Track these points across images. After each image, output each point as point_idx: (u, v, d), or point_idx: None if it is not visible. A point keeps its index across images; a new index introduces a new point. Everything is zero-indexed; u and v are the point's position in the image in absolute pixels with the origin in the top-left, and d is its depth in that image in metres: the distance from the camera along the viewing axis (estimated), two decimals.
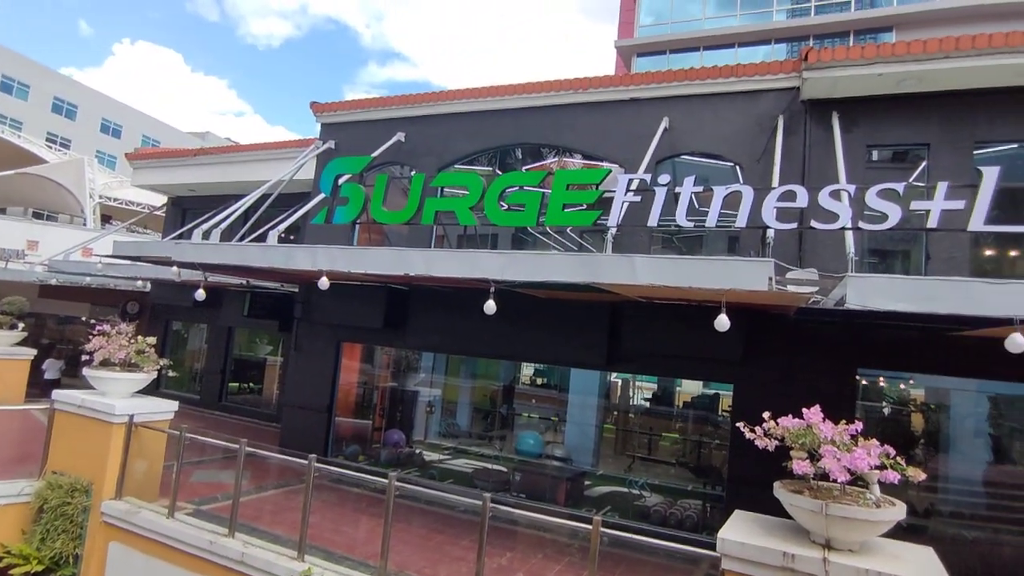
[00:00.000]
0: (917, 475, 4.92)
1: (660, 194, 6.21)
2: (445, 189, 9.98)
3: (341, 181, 8.51)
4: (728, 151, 9.38)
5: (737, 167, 9.38)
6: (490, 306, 6.74)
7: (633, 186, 6.88)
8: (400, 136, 11.82)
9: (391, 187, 10.89)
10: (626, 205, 6.73)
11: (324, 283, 7.86)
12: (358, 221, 8.75)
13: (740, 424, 5.22)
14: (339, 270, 7.98)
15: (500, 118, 11.25)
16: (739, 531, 5.18)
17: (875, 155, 9.21)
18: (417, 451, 12.13)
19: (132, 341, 8.81)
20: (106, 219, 29.40)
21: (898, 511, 4.87)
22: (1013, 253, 8.88)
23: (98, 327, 8.73)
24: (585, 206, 7.24)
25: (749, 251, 8.55)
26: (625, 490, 10.30)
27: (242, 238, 11.68)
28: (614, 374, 11.15)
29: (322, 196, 8.98)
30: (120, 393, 8.63)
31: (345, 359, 12.25)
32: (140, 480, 8.44)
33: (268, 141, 15.84)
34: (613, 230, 6.89)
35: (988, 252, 9.03)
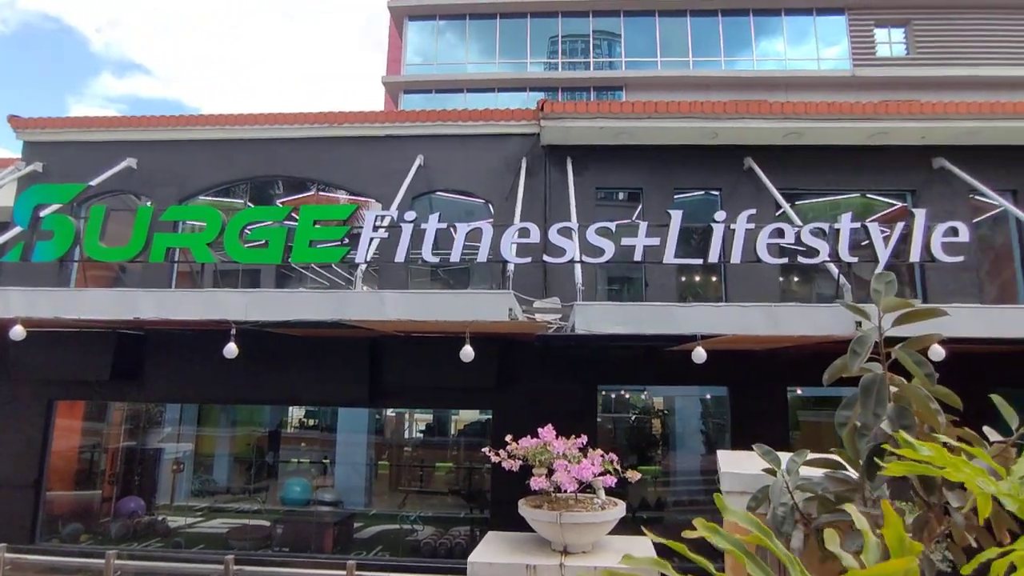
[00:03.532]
0: (634, 476, 5.61)
1: (406, 230, 6.38)
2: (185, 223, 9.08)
3: (45, 212, 7.23)
4: (480, 189, 10.01)
5: (489, 204, 10.04)
6: (230, 349, 6.24)
7: (384, 222, 6.96)
8: (131, 162, 10.45)
9: (126, 221, 9.59)
10: (376, 241, 6.77)
11: (18, 332, 6.57)
12: (72, 259, 7.50)
13: (485, 448, 5.48)
14: (42, 317, 6.75)
15: (251, 148, 10.60)
16: (488, 552, 5.40)
17: (615, 196, 10.59)
18: (160, 518, 10.60)
19: None
20: None
21: (619, 510, 5.50)
22: (714, 279, 10.77)
23: None
24: (340, 242, 7.13)
25: (491, 284, 9.17)
26: (397, 526, 10.17)
27: None
28: (390, 410, 11.05)
29: (19, 229, 7.53)
30: None
31: (61, 420, 10.29)
32: None
33: None
34: (363, 266, 6.88)
35: (696, 279, 10.86)
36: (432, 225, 6.38)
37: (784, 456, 3.83)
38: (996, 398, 2.56)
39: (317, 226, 6.67)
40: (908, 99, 14.27)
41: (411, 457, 11.59)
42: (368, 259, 6.56)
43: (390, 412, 11.37)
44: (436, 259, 6.53)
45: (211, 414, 11.72)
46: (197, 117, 10.90)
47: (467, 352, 5.92)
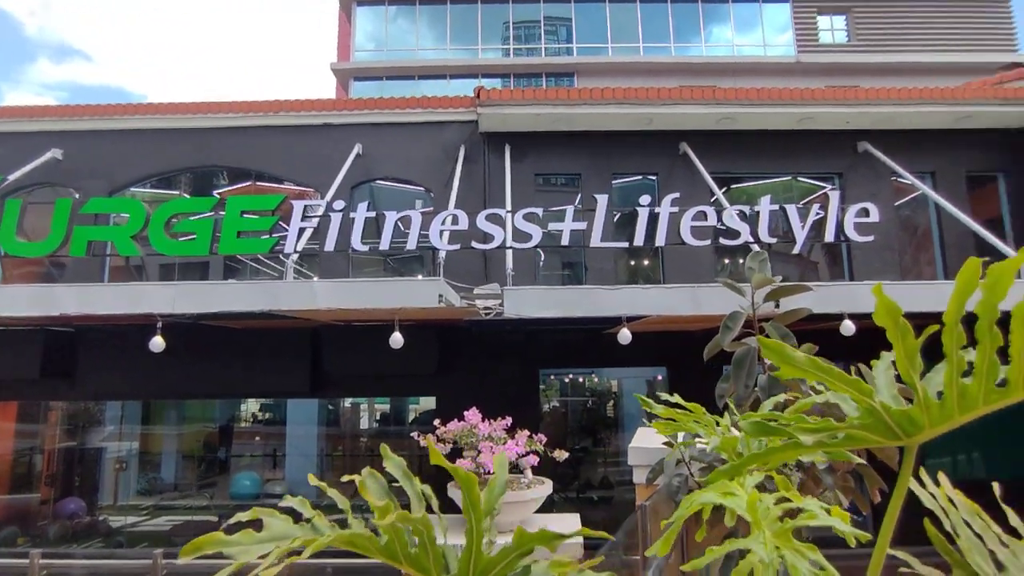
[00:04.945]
0: (560, 455, 5.76)
1: (335, 220, 6.36)
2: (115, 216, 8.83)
3: None
4: (419, 177, 9.99)
5: (429, 192, 10.04)
6: (156, 343, 6.15)
7: (319, 211, 6.92)
8: (55, 153, 10.08)
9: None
10: (308, 231, 6.74)
11: None
12: None
13: (414, 433, 5.55)
14: None
15: (186, 137, 10.35)
16: None
17: (548, 181, 10.67)
18: (102, 518, 10.40)
19: None
20: None
21: (546, 488, 5.65)
22: (650, 262, 11.00)
23: None
24: (270, 232, 7.05)
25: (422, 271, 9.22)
26: (344, 516, 10.19)
27: None
28: (347, 400, 11.06)
29: None
30: None
31: None
32: None
33: None
34: (294, 256, 6.84)
35: (645, 262, 11.06)
36: (361, 214, 6.38)
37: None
38: (861, 367, 2.74)
39: (245, 216, 6.59)
40: (849, 85, 14.72)
41: (365, 447, 11.59)
42: (297, 249, 6.52)
43: (346, 403, 11.37)
44: (365, 248, 6.53)
45: (157, 411, 11.51)
46: (127, 106, 10.59)
47: (396, 339, 5.96)
